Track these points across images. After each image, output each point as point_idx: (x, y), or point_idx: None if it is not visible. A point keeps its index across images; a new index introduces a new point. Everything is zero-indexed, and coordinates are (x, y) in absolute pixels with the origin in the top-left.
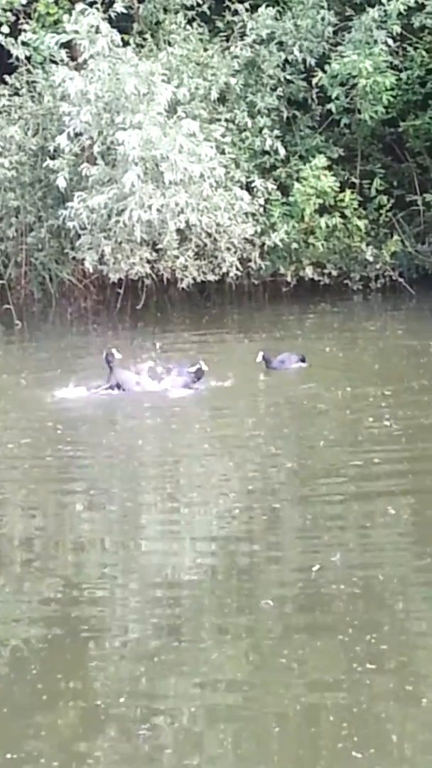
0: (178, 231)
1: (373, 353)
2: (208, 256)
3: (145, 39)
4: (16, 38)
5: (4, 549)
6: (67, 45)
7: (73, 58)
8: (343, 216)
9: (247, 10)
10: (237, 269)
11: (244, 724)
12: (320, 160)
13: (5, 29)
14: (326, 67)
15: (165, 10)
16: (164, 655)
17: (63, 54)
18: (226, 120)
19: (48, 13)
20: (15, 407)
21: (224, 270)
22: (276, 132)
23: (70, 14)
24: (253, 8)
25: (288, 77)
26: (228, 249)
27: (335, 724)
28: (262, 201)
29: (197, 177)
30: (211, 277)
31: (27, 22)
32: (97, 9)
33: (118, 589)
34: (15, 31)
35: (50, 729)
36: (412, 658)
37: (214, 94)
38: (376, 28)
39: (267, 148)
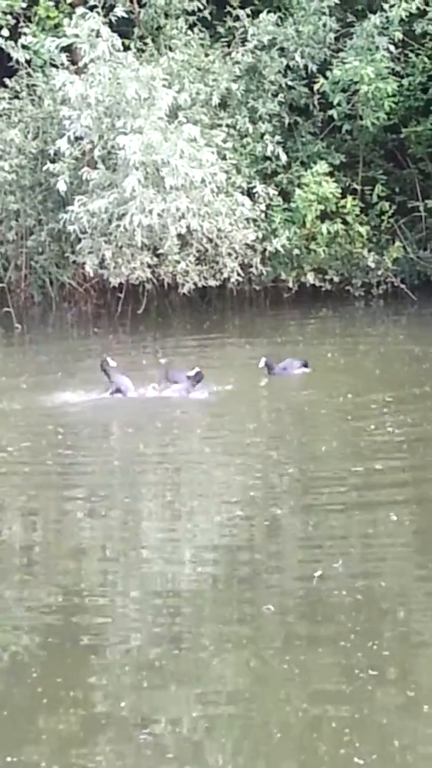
0: (179, 236)
1: (375, 359)
2: (209, 261)
3: (146, 44)
4: (16, 41)
5: (5, 554)
6: (68, 49)
7: (73, 62)
8: (344, 222)
9: (248, 15)
10: (238, 275)
11: (245, 731)
12: (322, 166)
13: (5, 32)
14: (328, 74)
15: (166, 15)
16: (165, 661)
17: (63, 58)
18: (228, 125)
19: (48, 17)
20: (15, 411)
21: (225, 275)
22: (277, 138)
23: (71, 18)
24: (255, 14)
25: (289, 83)
26: (229, 254)
27: (337, 731)
28: (263, 207)
29: (198, 182)
30: (212, 283)
31: (27, 26)
32: (98, 13)
33: (118, 596)
34: (15, 35)
35: (50, 734)
36: (414, 665)
37: (216, 100)
38: (378, 35)
39: (268, 153)
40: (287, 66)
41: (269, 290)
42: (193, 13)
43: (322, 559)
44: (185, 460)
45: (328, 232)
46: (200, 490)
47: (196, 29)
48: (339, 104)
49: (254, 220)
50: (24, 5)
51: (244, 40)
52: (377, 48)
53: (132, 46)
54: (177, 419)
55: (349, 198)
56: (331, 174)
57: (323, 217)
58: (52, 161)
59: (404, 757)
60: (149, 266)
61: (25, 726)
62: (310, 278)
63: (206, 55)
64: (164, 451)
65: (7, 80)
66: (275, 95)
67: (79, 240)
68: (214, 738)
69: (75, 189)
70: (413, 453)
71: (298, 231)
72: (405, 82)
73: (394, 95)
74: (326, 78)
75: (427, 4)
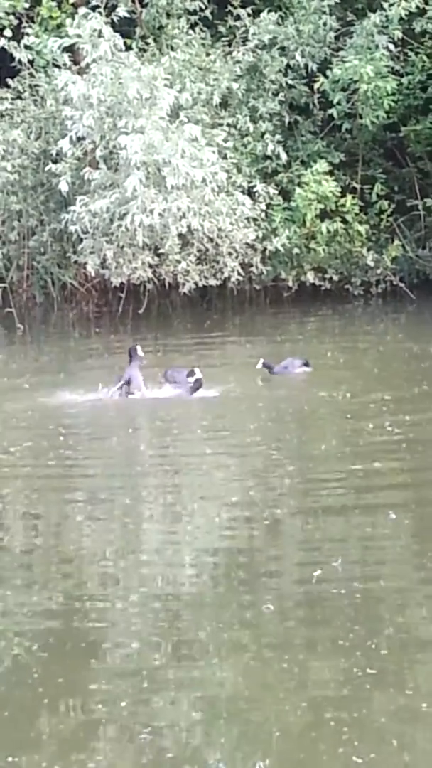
0: (180, 235)
1: (374, 358)
2: (209, 260)
3: (147, 43)
4: (19, 42)
5: (6, 555)
6: (70, 49)
7: (75, 62)
8: (344, 221)
9: (249, 15)
10: (238, 274)
11: (244, 730)
12: (321, 165)
13: (8, 33)
14: (328, 72)
15: (167, 15)
16: (164, 661)
17: (66, 58)
18: (228, 125)
19: (51, 17)
20: (17, 411)
21: (226, 275)
22: (278, 137)
23: (73, 18)
24: (255, 13)
25: (290, 82)
26: (229, 254)
27: (336, 730)
28: (263, 206)
29: (199, 182)
30: (212, 282)
31: (30, 26)
32: (100, 13)
33: (119, 597)
34: (18, 35)
35: (51, 734)
36: (413, 664)
37: (216, 99)
38: (378, 33)
39: (269, 152)
40: (288, 65)
41: (269, 289)
42: (194, 12)
43: (321, 560)
44: (186, 460)
45: (328, 231)
46: (200, 491)
47: (197, 29)
48: (339, 103)
49: (254, 220)
50: (26, 6)
51: (244, 40)
52: (377, 47)
53: (134, 45)
54: (177, 419)
55: (349, 197)
56: (330, 173)
57: (323, 215)
58: (54, 161)
59: (403, 756)
60: (150, 266)
61: (26, 727)
62: (310, 277)
63: (207, 54)
64: (165, 451)
65: (9, 80)
66: (276, 94)
67: (81, 240)
68: (213, 738)
69: (77, 189)
70: (412, 452)
71: (298, 230)
72: (404, 80)
73: (393, 94)
74: (326, 77)
75: (426, 3)
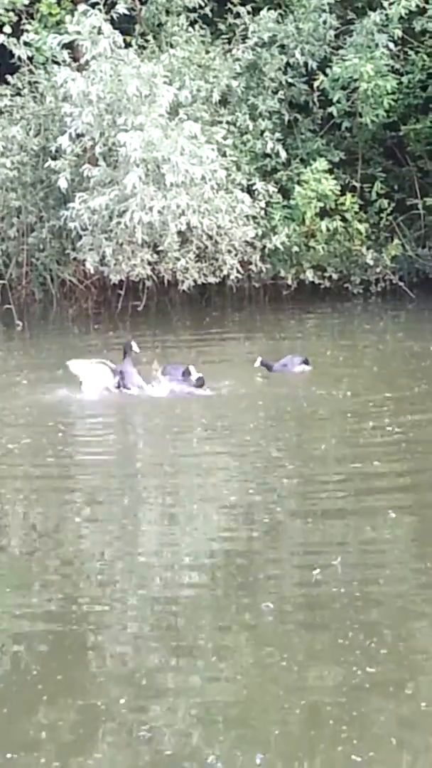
0: (179, 233)
1: (374, 357)
2: (208, 258)
3: (147, 41)
4: (18, 38)
5: (5, 552)
6: (69, 46)
7: (75, 59)
8: (343, 219)
9: (249, 12)
10: (238, 272)
11: (242, 728)
12: (321, 164)
13: (7, 29)
14: (327, 71)
15: (167, 12)
16: (163, 658)
17: (65, 55)
18: (228, 122)
19: (50, 14)
20: (16, 407)
21: (225, 272)
22: (277, 135)
23: (73, 15)
24: (255, 11)
25: (289, 80)
26: (229, 251)
27: (334, 728)
28: (263, 204)
29: (198, 179)
30: (211, 280)
31: (29, 23)
32: (100, 10)
33: (118, 594)
34: (17, 32)
35: (51, 730)
36: (412, 662)
37: (216, 97)
38: (378, 32)
39: (268, 150)
40: (287, 63)
41: (268, 287)
42: (194, 10)
43: (320, 560)
44: (184, 458)
45: (327, 230)
46: (199, 491)
47: (196, 26)
48: (339, 101)
49: (254, 217)
50: (26, 2)
51: (244, 37)
52: (377, 45)
53: (133, 43)
54: (177, 416)
55: (348, 195)
56: (330, 171)
57: (322, 214)
58: (54, 158)
59: (402, 755)
60: (149, 263)
61: (24, 723)
62: (309, 275)
63: (207, 52)
64: (164, 449)
65: (8, 77)
66: (275, 92)
67: (80, 237)
68: (212, 735)
69: (76, 186)
70: (412, 452)
71: (297, 228)
72: (404, 79)
73: (393, 93)
74: (326, 75)
75: (426, 2)
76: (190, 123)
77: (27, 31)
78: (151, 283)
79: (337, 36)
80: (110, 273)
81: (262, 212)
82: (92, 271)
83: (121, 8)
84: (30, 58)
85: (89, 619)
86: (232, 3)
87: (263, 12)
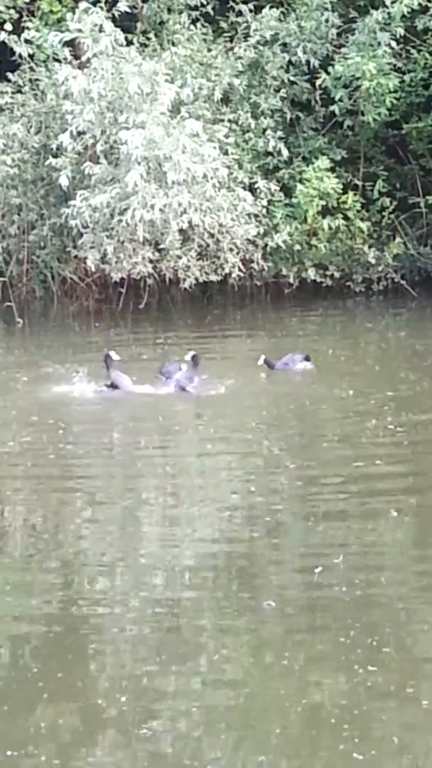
0: (181, 231)
1: (375, 355)
2: (210, 256)
3: (148, 38)
4: (19, 36)
5: (5, 548)
6: (71, 43)
7: (76, 57)
8: (345, 218)
9: (251, 11)
10: (239, 270)
11: (244, 725)
12: (323, 162)
13: (8, 27)
14: (330, 69)
15: (169, 10)
16: (165, 655)
17: (66, 52)
18: (230, 121)
19: (51, 11)
20: (16, 405)
21: (227, 271)
22: (279, 133)
23: (74, 13)
24: (257, 9)
25: (291, 79)
26: (230, 250)
27: (336, 726)
28: (264, 202)
29: (200, 177)
30: (213, 278)
31: (30, 20)
32: (101, 8)
33: (119, 591)
34: (18, 29)
35: (51, 728)
36: (414, 661)
37: (218, 95)
38: (380, 31)
39: (270, 149)
40: (289, 61)
41: (270, 286)
42: (195, 8)
43: (322, 555)
44: (186, 455)
45: (329, 228)
46: (200, 490)
47: (198, 24)
48: (341, 100)
49: (256, 216)
50: (27, 0)
51: (246, 36)
52: (379, 44)
53: (135, 41)
54: (178, 414)
55: (350, 194)
56: (332, 169)
57: (324, 212)
58: (55, 156)
59: (403, 752)
60: (151, 261)
61: (25, 720)
62: (311, 274)
63: (209, 50)
64: (165, 446)
65: (10, 74)
66: (277, 91)
67: (81, 235)
68: (213, 732)
69: (77, 184)
70: (414, 449)
71: (299, 226)
72: (406, 78)
73: (395, 91)
74: (328, 73)
75: (429, 0)
76: (191, 121)
77: (28, 28)
78: (152, 281)
79: (339, 34)
80: (111, 271)
81: (264, 210)
82: (93, 269)
83: (122, 6)
84: (31, 56)
85: (90, 620)
86: (234, 1)
87: (265, 10)
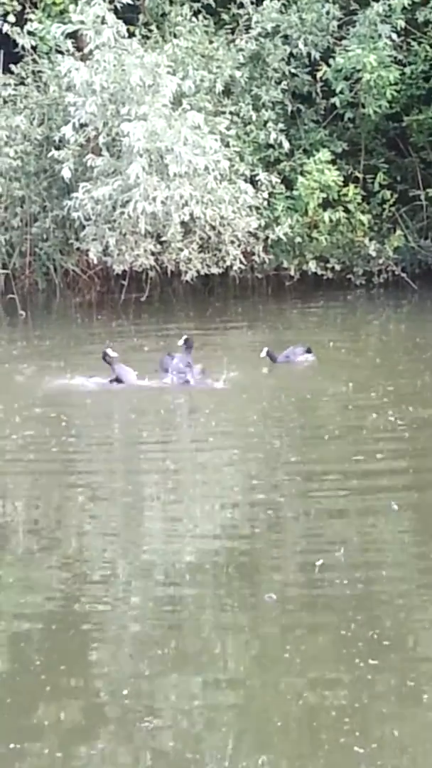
0: (183, 223)
1: (376, 348)
2: (212, 249)
3: (150, 30)
4: (22, 28)
5: (8, 542)
6: (73, 35)
7: (78, 49)
8: (346, 210)
9: (252, 3)
10: (241, 262)
11: (245, 719)
12: (324, 154)
13: (11, 18)
14: (331, 61)
15: (171, 2)
16: (166, 649)
17: (69, 44)
18: (231, 113)
19: (54, 3)
20: (18, 397)
21: (228, 263)
22: (280, 125)
23: (76, 4)
24: (259, 1)
25: (293, 71)
26: (232, 242)
27: (337, 720)
28: (266, 194)
29: (202, 169)
30: (214, 270)
31: (33, 12)
32: (103, 0)
33: (120, 585)
34: (21, 21)
35: (53, 721)
36: (414, 655)
37: (219, 87)
38: (381, 23)
39: (271, 141)
40: (290, 53)
41: (271, 278)
42: (197, 0)
43: (323, 548)
44: (188, 448)
45: (330, 220)
46: (202, 478)
47: (200, 16)
48: (341, 92)
49: (257, 208)
50: None
51: (247, 28)
52: (380, 36)
53: (137, 32)
54: (180, 407)
55: (351, 186)
56: (333, 162)
57: (325, 205)
58: (57, 148)
59: (404, 745)
60: (152, 253)
61: (28, 714)
62: (312, 266)
63: (210, 42)
64: (167, 439)
65: (12, 66)
66: (278, 83)
67: (83, 227)
68: (215, 726)
69: (79, 176)
70: (414, 442)
71: (300, 219)
72: (407, 70)
73: (396, 83)
74: (329, 66)
75: None
76: (193, 113)
77: (31, 20)
78: (154, 274)
79: (340, 27)
80: (113, 263)
81: (265, 203)
82: (95, 261)
83: None
84: (34, 48)
85: (91, 615)
86: None
87: (266, 2)
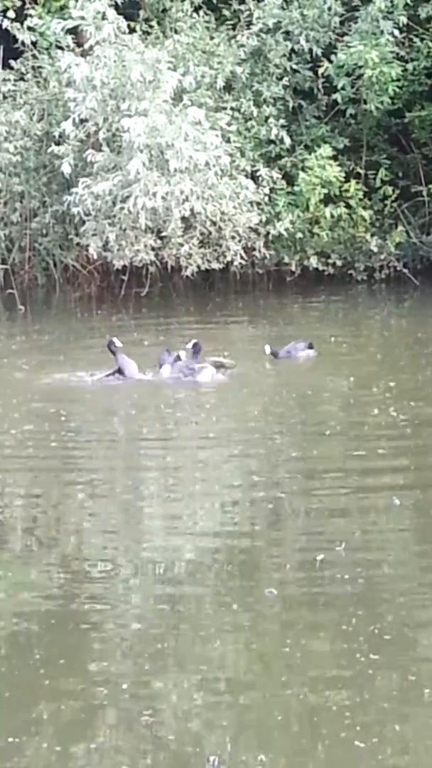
0: (183, 219)
1: (377, 343)
2: (212, 244)
3: (151, 26)
4: (22, 23)
5: (6, 538)
6: (73, 31)
7: (79, 44)
8: (348, 206)
9: None
10: (241, 258)
11: (245, 715)
12: (326, 150)
13: (11, 14)
14: (332, 57)
15: None
16: (166, 645)
17: (69, 40)
18: (232, 108)
19: None
20: (17, 392)
21: (229, 258)
22: (282, 121)
23: (77, 0)
24: None
25: (294, 67)
26: (232, 238)
27: (338, 715)
28: (267, 190)
29: (202, 165)
30: (215, 266)
31: (33, 7)
32: None
33: (120, 580)
34: (21, 16)
35: (52, 716)
36: (415, 650)
37: (220, 83)
38: (383, 19)
39: (272, 137)
40: (292, 49)
41: (272, 274)
42: None
43: (324, 544)
44: (188, 443)
45: (332, 216)
46: (202, 474)
47: (201, 12)
48: (343, 88)
49: (258, 204)
50: None
51: (249, 23)
52: (382, 32)
53: (137, 28)
54: (180, 402)
55: (353, 182)
56: (334, 158)
57: (327, 200)
58: (57, 143)
59: (405, 741)
60: (153, 249)
61: (26, 709)
62: (313, 262)
63: (211, 38)
64: (167, 434)
65: (12, 62)
66: (280, 79)
67: (83, 222)
68: (215, 721)
69: (79, 171)
70: (416, 437)
71: (301, 214)
72: (409, 66)
73: (398, 80)
74: (331, 62)
75: None
76: (194, 109)
77: (31, 15)
78: (154, 269)
79: (342, 22)
80: (113, 258)
81: (266, 198)
82: (95, 257)
83: None
84: (34, 43)
85: (92, 599)
86: None
87: None
